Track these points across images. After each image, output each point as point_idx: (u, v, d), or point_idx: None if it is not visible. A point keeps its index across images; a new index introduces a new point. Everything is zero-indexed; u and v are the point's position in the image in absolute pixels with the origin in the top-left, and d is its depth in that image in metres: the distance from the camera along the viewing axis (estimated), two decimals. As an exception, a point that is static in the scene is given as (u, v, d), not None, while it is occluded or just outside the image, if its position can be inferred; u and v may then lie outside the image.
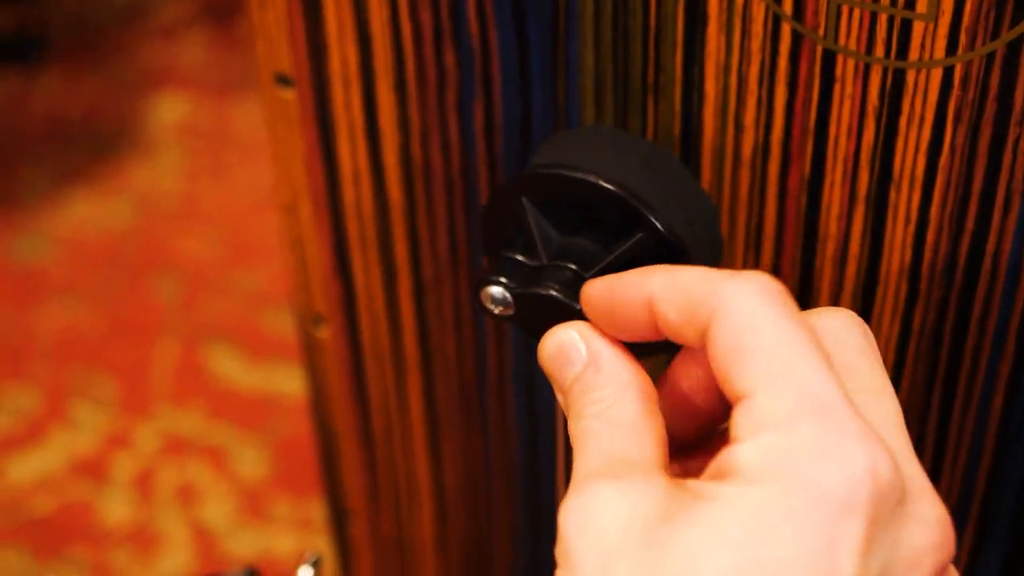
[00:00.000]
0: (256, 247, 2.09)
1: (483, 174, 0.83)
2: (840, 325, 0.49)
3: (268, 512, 1.57)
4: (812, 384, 0.41)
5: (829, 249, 0.74)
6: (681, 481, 0.43)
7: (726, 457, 0.41)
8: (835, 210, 0.72)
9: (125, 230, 2.16)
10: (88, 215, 2.20)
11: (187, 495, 1.61)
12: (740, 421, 0.41)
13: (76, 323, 1.94)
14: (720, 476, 0.41)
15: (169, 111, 2.41)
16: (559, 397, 0.50)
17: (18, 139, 2.36)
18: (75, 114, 2.42)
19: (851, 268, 0.74)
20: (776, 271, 0.76)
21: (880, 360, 0.48)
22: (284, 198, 0.92)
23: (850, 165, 0.70)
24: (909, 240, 0.71)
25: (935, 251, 0.71)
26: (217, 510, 1.58)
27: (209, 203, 2.23)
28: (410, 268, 0.91)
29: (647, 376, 0.49)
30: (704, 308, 0.45)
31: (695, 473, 0.47)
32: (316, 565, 0.83)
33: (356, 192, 0.89)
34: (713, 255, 0.50)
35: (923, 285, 0.73)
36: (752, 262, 0.77)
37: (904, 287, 0.73)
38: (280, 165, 0.91)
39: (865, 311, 0.75)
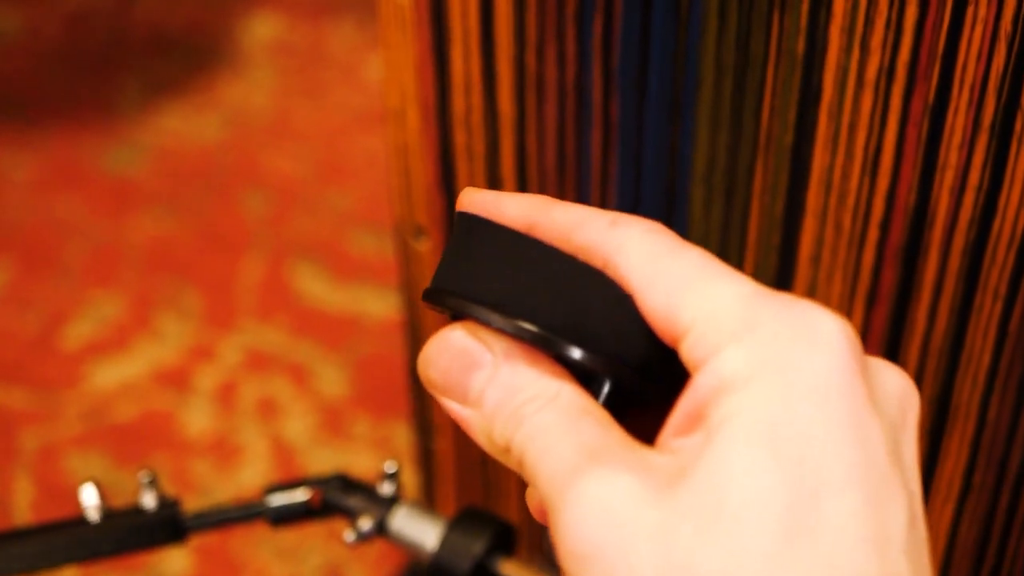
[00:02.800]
0: (346, 167, 2.09)
1: (597, 88, 0.83)
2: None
3: (347, 430, 1.58)
4: (740, 285, 0.39)
5: (948, 178, 0.73)
6: (661, 445, 0.40)
7: (703, 386, 0.38)
8: (957, 138, 0.71)
9: (216, 144, 2.17)
10: (180, 128, 2.21)
11: (268, 410, 1.62)
12: (696, 349, 0.39)
13: (165, 234, 1.95)
14: (706, 405, 0.38)
15: (264, 29, 2.42)
16: (459, 412, 0.43)
17: (117, 49, 2.37)
18: (173, 27, 2.43)
19: (968, 199, 0.73)
20: (892, 198, 0.75)
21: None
22: (392, 104, 0.92)
23: (976, 92, 0.69)
24: (1032, 171, 0.70)
25: (1058, 184, 0.70)
26: (297, 426, 1.59)
27: (300, 121, 2.23)
28: (516, 181, 0.90)
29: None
30: (593, 256, 0.42)
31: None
32: (395, 475, 0.83)
33: (466, 102, 0.88)
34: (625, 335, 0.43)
35: (1043, 218, 0.71)
36: (867, 188, 0.76)
37: (1023, 219, 0.72)
38: (390, 71, 0.91)
39: (980, 243, 0.74)
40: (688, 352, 0.39)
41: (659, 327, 0.41)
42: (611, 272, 0.42)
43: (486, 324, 0.43)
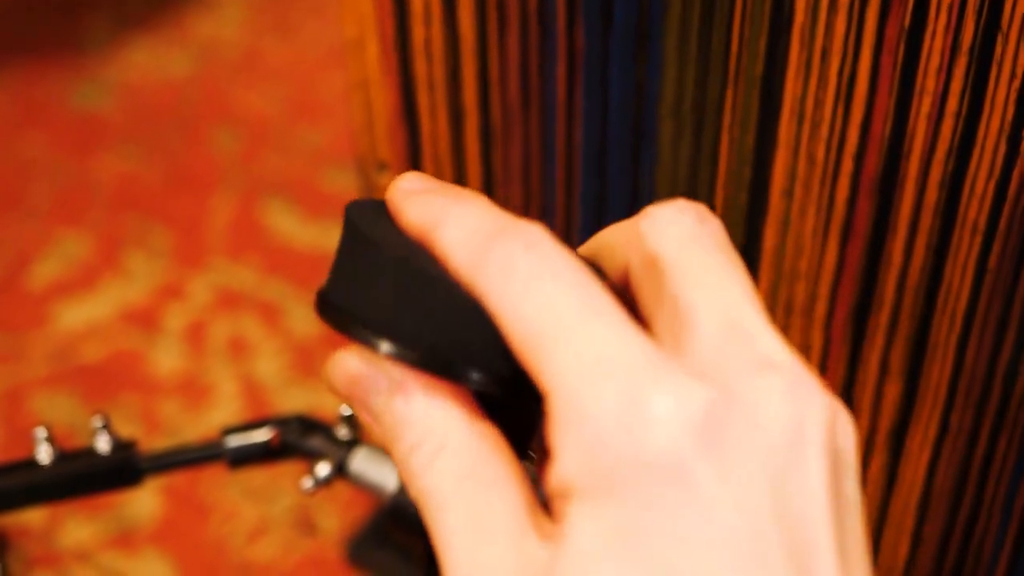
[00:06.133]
0: (318, 104, 2.06)
1: (561, 16, 0.80)
2: (667, 218, 0.40)
3: (318, 369, 1.56)
4: (595, 344, 0.36)
5: (925, 105, 0.70)
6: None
7: (552, 487, 0.36)
8: (934, 63, 0.69)
9: (185, 80, 2.13)
10: (149, 63, 2.17)
11: (238, 349, 1.60)
12: (549, 430, 0.36)
13: (132, 172, 1.92)
14: (561, 502, 0.36)
15: (233, -37, 2.38)
16: (372, 428, 0.42)
17: (80, -15, 2.34)
18: (138, -38, 2.39)
19: (947, 126, 0.70)
20: (866, 128, 0.73)
21: (717, 241, 0.40)
22: (350, 34, 0.89)
23: (955, 14, 0.66)
24: (1012, 97, 0.67)
25: (1039, 111, 0.67)
26: (268, 365, 1.57)
27: (271, 56, 2.19)
28: (478, 112, 0.88)
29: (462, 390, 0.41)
30: (460, 270, 0.39)
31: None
32: (351, 417, 0.81)
33: (426, 31, 0.85)
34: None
35: (1023, 147, 0.69)
36: (841, 118, 0.73)
37: (1003, 148, 0.69)
38: (349, 1, 0.88)
39: (959, 172, 0.72)
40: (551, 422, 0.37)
41: (522, 362, 0.38)
42: (478, 290, 0.39)
43: (372, 350, 0.40)
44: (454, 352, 0.40)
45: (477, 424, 0.39)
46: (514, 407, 0.42)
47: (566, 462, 0.35)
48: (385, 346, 0.40)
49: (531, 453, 0.44)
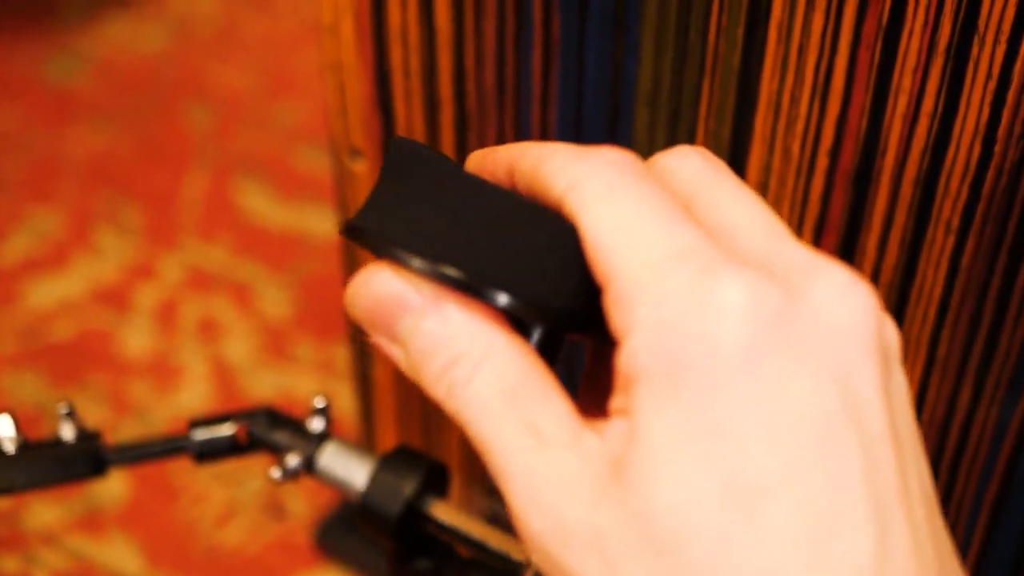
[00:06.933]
0: (294, 81, 2.04)
1: (537, 5, 0.79)
2: (676, 163, 0.41)
3: (290, 352, 1.55)
4: (668, 245, 0.37)
5: (901, 104, 0.70)
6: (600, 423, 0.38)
7: (622, 367, 0.36)
8: (911, 62, 0.68)
9: (160, 55, 2.11)
10: (122, 37, 2.15)
11: (209, 330, 1.59)
12: (613, 310, 0.37)
13: (105, 148, 1.90)
14: (628, 386, 0.36)
15: (210, -63, 2.36)
16: (388, 349, 0.41)
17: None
18: (114, -65, 2.37)
19: (922, 125, 0.70)
20: (842, 124, 0.72)
21: (725, 175, 0.41)
22: (326, 18, 0.88)
23: (932, 13, 0.66)
24: (988, 99, 0.67)
25: (1015, 112, 0.67)
26: (238, 347, 1.56)
27: (248, 32, 2.17)
28: (454, 100, 0.87)
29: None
30: (552, 190, 0.40)
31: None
32: (325, 410, 0.80)
33: (402, 16, 0.84)
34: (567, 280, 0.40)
35: (998, 148, 0.68)
36: (817, 113, 0.72)
37: (978, 148, 0.69)
38: (323, -16, 0.87)
39: (933, 171, 0.71)
40: (608, 308, 0.37)
41: (594, 268, 0.38)
42: (566, 207, 0.39)
43: (406, 266, 0.39)
44: (500, 273, 0.39)
45: (516, 339, 0.39)
46: (547, 339, 0.41)
47: (637, 344, 0.36)
48: (417, 262, 0.39)
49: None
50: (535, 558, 0.37)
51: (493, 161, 0.43)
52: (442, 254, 0.39)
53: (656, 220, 0.38)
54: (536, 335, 0.41)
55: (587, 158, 0.40)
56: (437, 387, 0.39)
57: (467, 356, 0.38)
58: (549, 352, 0.42)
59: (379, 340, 0.41)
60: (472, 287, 0.39)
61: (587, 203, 0.39)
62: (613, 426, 0.37)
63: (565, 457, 0.37)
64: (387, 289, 0.40)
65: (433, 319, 0.39)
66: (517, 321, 0.40)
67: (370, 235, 0.40)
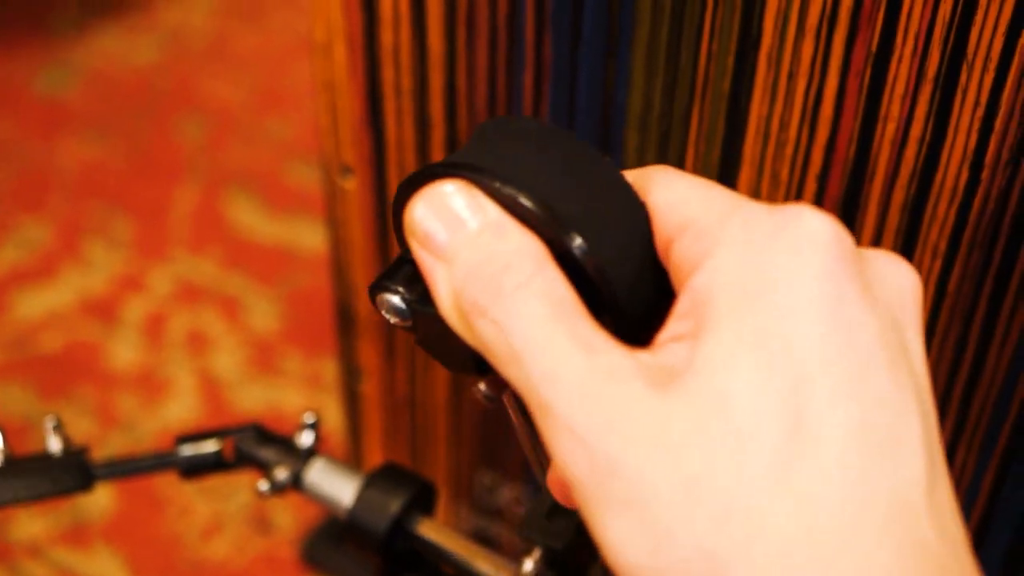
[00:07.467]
0: (285, 95, 2.05)
1: (530, 26, 0.79)
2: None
3: (278, 366, 1.55)
4: (738, 198, 0.40)
5: (889, 130, 0.70)
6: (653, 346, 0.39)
7: (698, 287, 0.38)
8: (900, 89, 0.69)
9: (152, 67, 2.12)
10: (116, 49, 2.15)
11: (197, 343, 1.59)
12: (692, 247, 0.39)
13: (96, 159, 1.90)
14: (700, 306, 0.37)
15: (203, -50, 2.36)
16: (429, 265, 0.41)
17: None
18: (108, -53, 2.37)
19: (910, 151, 0.70)
20: (831, 149, 0.72)
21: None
22: (319, 38, 0.88)
23: (921, 41, 0.66)
24: (976, 125, 0.67)
25: (1002, 139, 0.67)
26: (226, 360, 1.56)
27: (239, 45, 2.17)
28: (445, 121, 0.87)
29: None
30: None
31: None
32: (315, 425, 0.80)
33: (395, 37, 0.85)
34: (643, 272, 0.41)
35: (985, 174, 0.69)
36: (806, 138, 0.73)
37: (965, 174, 0.69)
38: (317, 2, 0.87)
39: (921, 197, 0.72)
40: (683, 251, 0.39)
41: (661, 224, 0.40)
42: (637, 184, 0.41)
43: (485, 187, 0.40)
44: (575, 220, 0.40)
45: (563, 277, 0.39)
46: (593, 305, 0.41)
47: (722, 259, 0.38)
48: (498, 184, 0.40)
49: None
50: (574, 461, 0.36)
51: None
52: (523, 185, 0.40)
53: (717, 188, 0.40)
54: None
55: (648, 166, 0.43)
56: (480, 297, 0.39)
57: (520, 267, 0.38)
58: None
59: (421, 252, 0.41)
60: (549, 221, 0.39)
61: (658, 175, 0.42)
62: (669, 348, 0.38)
63: (619, 360, 0.37)
64: (453, 199, 0.40)
65: (489, 236, 0.39)
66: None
67: (446, 164, 0.41)
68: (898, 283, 0.39)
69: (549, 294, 0.38)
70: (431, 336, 0.44)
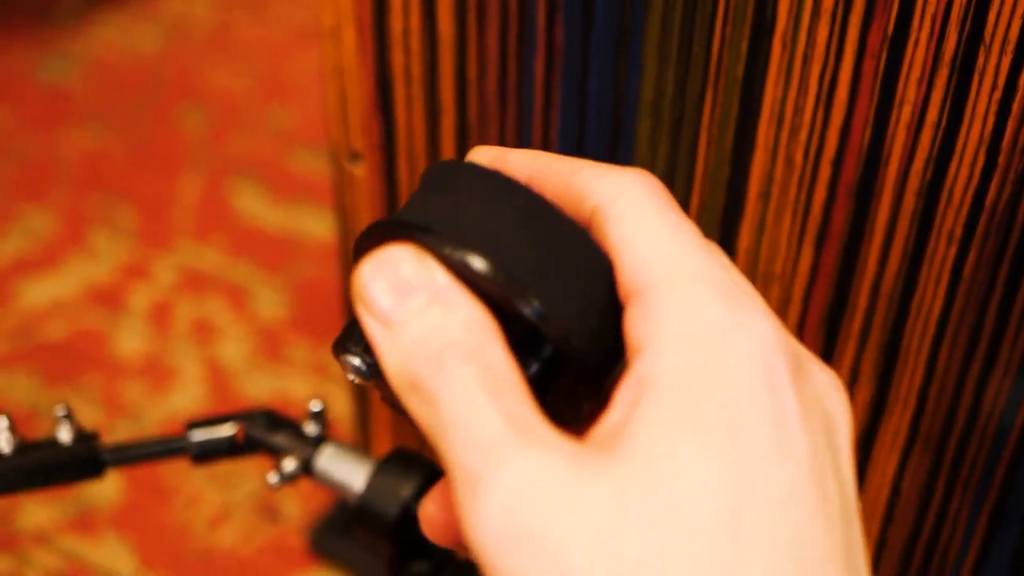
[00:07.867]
0: (289, 84, 2.04)
1: (541, 11, 0.79)
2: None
3: (284, 354, 1.55)
4: (705, 272, 0.38)
5: (905, 114, 0.70)
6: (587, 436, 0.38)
7: (640, 374, 0.37)
8: (916, 72, 0.68)
9: (154, 57, 2.11)
10: (118, 39, 2.15)
11: (203, 331, 1.59)
12: (641, 321, 0.38)
13: (99, 149, 1.90)
14: (640, 391, 0.37)
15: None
16: (376, 333, 0.39)
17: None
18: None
19: (926, 136, 0.70)
20: (845, 134, 0.72)
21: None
22: (327, 23, 0.88)
23: (938, 24, 0.66)
24: (993, 109, 0.67)
25: (1019, 123, 0.67)
26: (233, 349, 1.56)
27: (242, 34, 2.17)
28: (455, 108, 0.87)
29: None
30: (584, 203, 0.41)
31: None
32: (322, 413, 0.80)
33: (404, 22, 0.84)
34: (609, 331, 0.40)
35: (1002, 159, 0.68)
36: (820, 123, 0.72)
37: (981, 159, 0.69)
38: (326, -12, 0.87)
39: (937, 181, 0.71)
40: (633, 322, 0.38)
41: (624, 280, 0.39)
42: (598, 218, 0.40)
43: (435, 250, 0.39)
44: (531, 280, 0.39)
45: (509, 356, 0.38)
46: (545, 365, 0.41)
47: (665, 350, 0.37)
48: (448, 249, 0.39)
49: None
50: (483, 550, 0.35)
51: (507, 165, 0.43)
52: (477, 246, 0.39)
53: (688, 243, 0.39)
54: (535, 366, 0.41)
55: (620, 175, 0.41)
56: (420, 371, 0.38)
57: (465, 342, 0.38)
58: (542, 382, 0.41)
59: (368, 319, 0.40)
60: (502, 286, 0.38)
61: (624, 217, 0.40)
62: (607, 432, 0.37)
63: (550, 441, 0.36)
64: (402, 266, 0.39)
65: (438, 310, 0.38)
66: (520, 342, 0.40)
67: (396, 223, 0.40)
68: (836, 407, 0.39)
69: (488, 370, 0.37)
70: (394, 395, 0.43)
